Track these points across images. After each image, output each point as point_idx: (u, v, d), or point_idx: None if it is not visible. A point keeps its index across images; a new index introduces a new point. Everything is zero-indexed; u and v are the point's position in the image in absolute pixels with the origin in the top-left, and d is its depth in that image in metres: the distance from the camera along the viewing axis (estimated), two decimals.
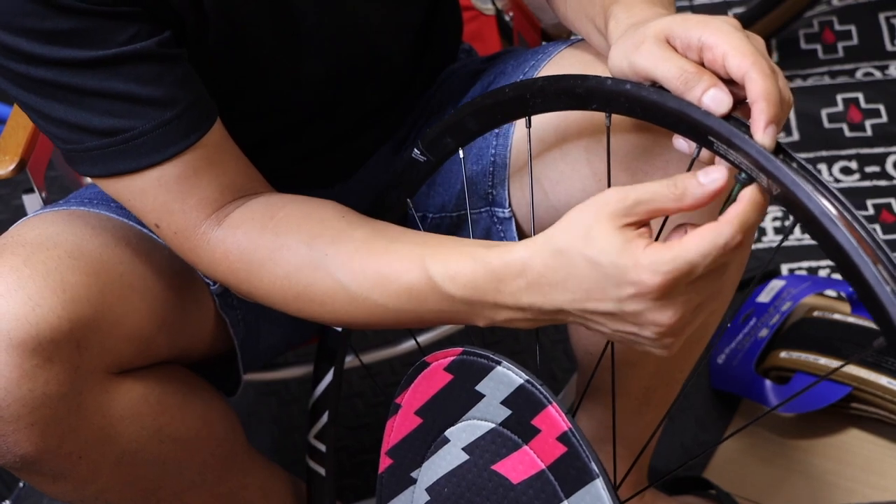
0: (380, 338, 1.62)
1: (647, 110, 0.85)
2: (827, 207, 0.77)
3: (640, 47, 0.85)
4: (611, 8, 0.93)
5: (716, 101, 0.82)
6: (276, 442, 1.63)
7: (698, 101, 0.82)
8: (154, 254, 1.07)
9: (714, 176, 0.81)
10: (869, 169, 1.90)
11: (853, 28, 2.13)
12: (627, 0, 0.92)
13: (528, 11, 1.47)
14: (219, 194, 0.97)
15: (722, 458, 1.52)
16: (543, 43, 1.22)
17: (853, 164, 1.91)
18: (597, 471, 0.86)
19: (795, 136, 1.98)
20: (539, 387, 0.89)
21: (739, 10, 2.19)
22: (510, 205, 1.12)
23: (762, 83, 0.80)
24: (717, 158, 0.83)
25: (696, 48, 0.83)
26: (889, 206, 1.84)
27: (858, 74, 2.06)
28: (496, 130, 1.11)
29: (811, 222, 0.78)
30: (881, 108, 1.99)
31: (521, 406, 0.91)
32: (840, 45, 2.11)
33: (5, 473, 1.54)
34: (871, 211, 1.84)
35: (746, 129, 0.81)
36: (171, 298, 1.07)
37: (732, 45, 0.81)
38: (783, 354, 1.55)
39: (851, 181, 1.89)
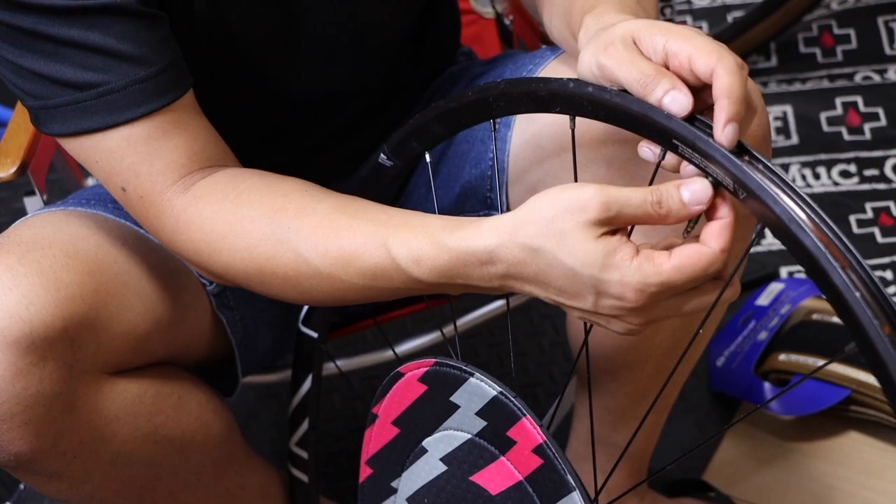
0: (359, 346, 1.62)
1: (610, 113, 0.83)
2: (795, 211, 0.75)
3: (607, 49, 0.83)
4: (584, 18, 0.92)
5: (676, 102, 0.80)
6: (276, 444, 1.63)
7: (659, 104, 0.80)
8: (150, 254, 1.07)
9: (699, 198, 0.79)
10: (868, 172, 1.90)
11: (852, 32, 2.13)
12: (599, 10, 0.91)
13: (528, 15, 1.48)
14: (186, 160, 0.96)
15: (721, 461, 1.52)
16: (543, 46, 1.22)
17: (852, 168, 1.92)
18: (573, 483, 0.86)
19: (794, 140, 1.98)
20: (512, 399, 0.89)
21: (739, 13, 2.19)
22: (508, 208, 1.12)
23: (726, 79, 0.78)
24: (685, 164, 0.81)
25: (661, 54, 0.82)
26: (888, 209, 1.84)
27: (857, 78, 2.06)
28: (493, 134, 1.11)
29: (778, 227, 0.76)
30: (880, 111, 2.00)
31: (496, 417, 0.90)
32: (839, 49, 2.11)
33: (6, 476, 1.54)
34: (869, 214, 1.84)
35: (711, 131, 0.79)
36: (167, 298, 1.07)
37: (697, 47, 0.80)
38: (782, 357, 1.55)
39: (850, 184, 1.89)
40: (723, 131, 0.78)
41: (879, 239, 1.81)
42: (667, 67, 0.81)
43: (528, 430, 0.88)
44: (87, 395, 0.99)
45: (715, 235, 0.79)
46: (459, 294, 0.90)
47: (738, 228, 0.81)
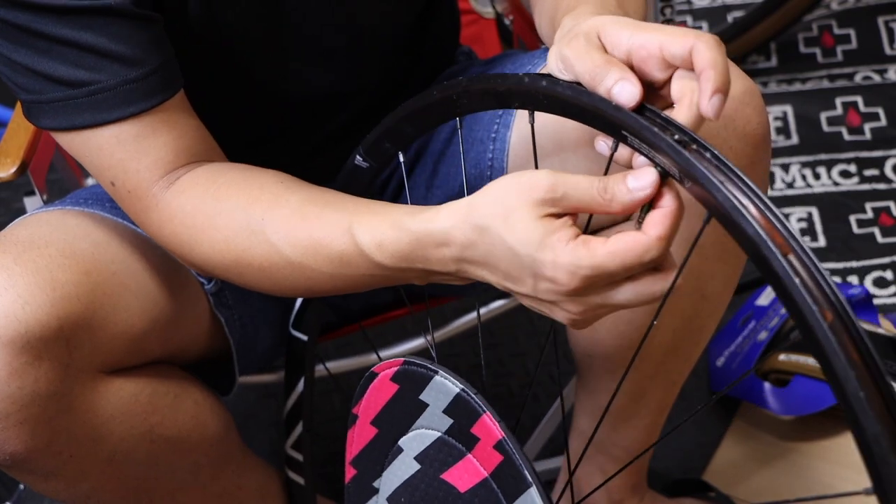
0: (358, 346, 1.62)
1: (565, 107, 0.83)
2: (738, 198, 0.74)
3: (570, 42, 0.83)
4: (563, 18, 0.92)
5: (624, 92, 0.78)
6: (275, 444, 1.63)
7: (608, 94, 0.79)
8: (147, 253, 1.07)
9: (643, 183, 0.78)
10: (868, 172, 1.90)
11: (852, 32, 2.13)
12: (579, 10, 0.91)
13: (528, 15, 1.47)
14: (174, 156, 0.97)
15: (721, 461, 1.52)
16: (542, 46, 1.22)
17: (852, 168, 1.91)
18: (530, 479, 0.86)
19: (794, 140, 1.98)
20: (473, 395, 0.89)
21: (739, 13, 2.19)
22: None
23: (708, 53, 0.77)
24: (637, 156, 0.80)
25: (625, 48, 0.81)
26: (888, 209, 1.84)
27: (857, 78, 2.06)
28: (492, 135, 1.11)
29: (722, 214, 0.74)
30: (880, 111, 2.00)
31: (461, 415, 0.90)
32: (839, 49, 2.11)
33: (6, 476, 1.54)
34: (870, 214, 1.84)
35: (662, 121, 0.78)
36: (164, 298, 1.07)
37: (668, 34, 0.79)
38: (782, 357, 1.55)
39: (850, 184, 1.89)
40: (709, 101, 0.77)
41: (879, 239, 1.80)
42: (631, 63, 0.80)
43: (489, 427, 0.89)
44: (83, 395, 0.99)
45: (654, 223, 0.78)
46: (425, 284, 0.90)
47: (690, 221, 0.81)
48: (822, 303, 0.70)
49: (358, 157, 1.00)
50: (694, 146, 0.76)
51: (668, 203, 0.78)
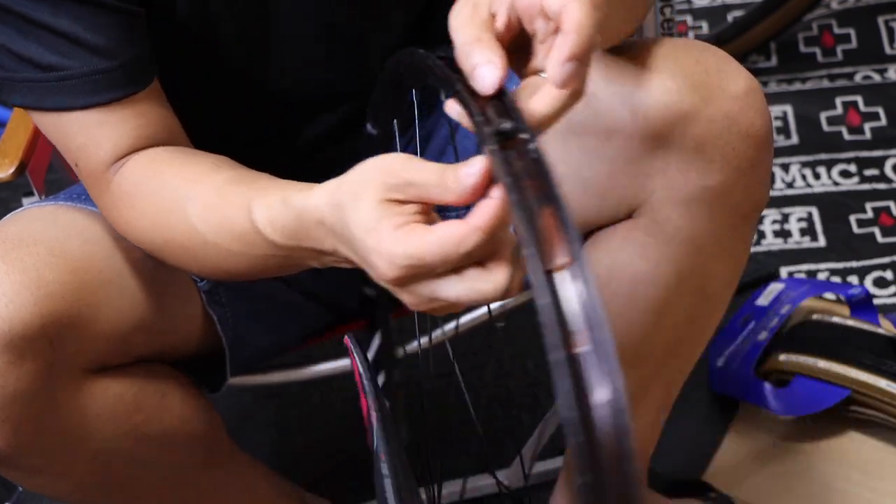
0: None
1: (437, 79, 0.79)
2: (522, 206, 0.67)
3: (459, 9, 0.78)
4: None
5: (481, 77, 0.74)
6: (275, 445, 1.63)
7: (472, 74, 0.75)
8: (137, 250, 1.07)
9: (472, 170, 0.73)
10: (868, 172, 1.90)
11: (852, 31, 2.13)
12: None
13: None
14: (133, 142, 0.98)
15: (721, 461, 1.52)
16: None
17: (852, 168, 1.91)
18: (386, 472, 0.87)
19: (794, 140, 1.98)
20: (363, 374, 0.90)
21: (739, 13, 2.19)
22: None
23: (576, 14, 0.71)
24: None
25: (507, 3, 0.76)
26: (888, 209, 1.84)
27: (857, 77, 2.06)
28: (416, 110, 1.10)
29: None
30: (880, 111, 2.00)
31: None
32: (839, 49, 2.11)
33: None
34: (870, 214, 1.84)
35: (502, 106, 0.72)
36: (153, 295, 1.07)
37: None
38: (782, 357, 1.54)
39: (850, 184, 1.89)
40: (560, 67, 0.72)
41: (880, 239, 1.80)
42: (515, 16, 0.77)
43: (364, 412, 0.90)
44: (67, 394, 0.99)
45: (475, 213, 0.73)
46: (324, 267, 0.87)
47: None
48: (568, 334, 0.62)
49: (368, 125, 1.00)
50: (513, 141, 0.70)
51: (495, 193, 0.73)
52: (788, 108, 2.03)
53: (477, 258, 0.73)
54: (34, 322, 0.95)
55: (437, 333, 1.37)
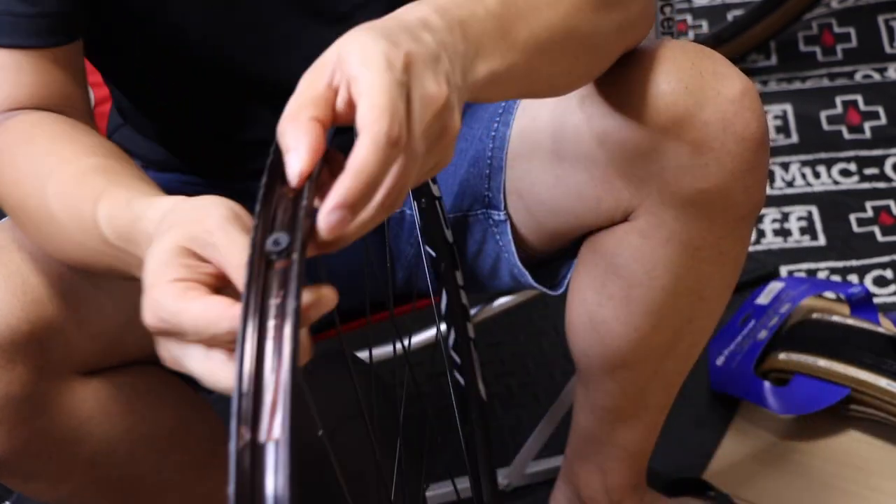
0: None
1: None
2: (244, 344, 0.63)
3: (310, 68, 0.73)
4: None
5: (288, 167, 0.69)
6: None
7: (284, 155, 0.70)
8: None
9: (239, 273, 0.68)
10: (868, 171, 1.90)
11: (852, 30, 2.13)
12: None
13: None
14: (26, 99, 0.96)
15: (721, 460, 1.52)
16: None
17: (852, 167, 1.92)
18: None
19: (794, 139, 1.98)
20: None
21: (738, 12, 2.19)
22: (506, 207, 1.12)
23: (361, 150, 0.67)
24: None
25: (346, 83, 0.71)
26: (888, 208, 1.84)
27: (857, 77, 2.06)
28: (492, 133, 1.11)
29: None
30: (880, 110, 2.00)
31: None
32: (839, 48, 2.11)
33: None
34: (870, 213, 1.84)
35: (287, 222, 0.66)
36: (141, 298, 1.07)
37: (368, 85, 0.69)
38: (782, 356, 1.55)
39: (850, 183, 1.89)
40: (327, 214, 0.67)
41: (879, 238, 1.81)
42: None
43: None
44: (59, 397, 0.99)
45: (230, 305, 0.69)
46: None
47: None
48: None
49: None
50: (280, 263, 0.65)
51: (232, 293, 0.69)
52: (788, 107, 2.03)
53: (228, 345, 0.69)
54: (22, 328, 0.94)
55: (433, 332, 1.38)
